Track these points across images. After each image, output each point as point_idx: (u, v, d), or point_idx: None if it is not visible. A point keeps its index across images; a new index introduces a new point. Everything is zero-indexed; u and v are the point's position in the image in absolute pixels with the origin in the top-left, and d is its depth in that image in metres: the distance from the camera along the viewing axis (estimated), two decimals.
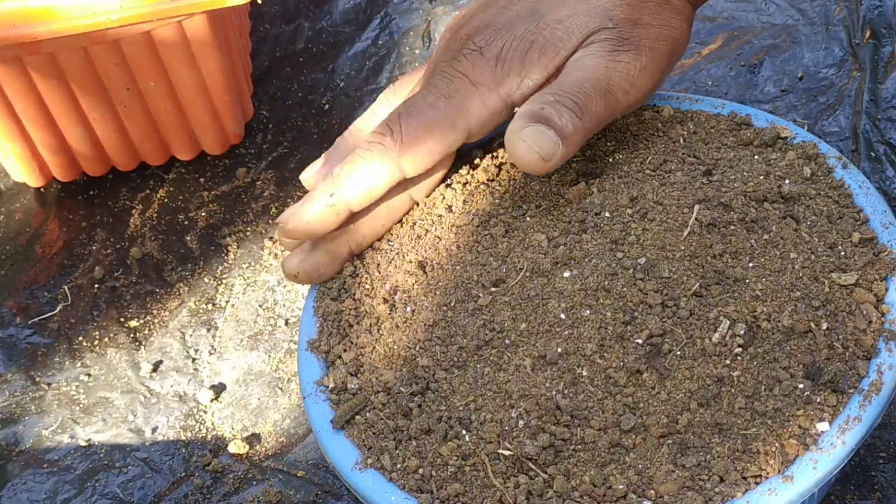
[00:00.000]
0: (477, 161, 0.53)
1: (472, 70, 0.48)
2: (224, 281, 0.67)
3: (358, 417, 0.46)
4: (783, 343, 0.43)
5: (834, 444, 0.41)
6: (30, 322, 0.67)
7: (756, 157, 0.50)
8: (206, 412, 0.61)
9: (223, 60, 0.68)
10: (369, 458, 0.44)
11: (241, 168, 0.72)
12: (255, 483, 0.57)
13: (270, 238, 0.68)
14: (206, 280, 0.67)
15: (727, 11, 0.74)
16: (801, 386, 0.42)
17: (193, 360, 0.63)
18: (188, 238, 0.70)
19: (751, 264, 0.45)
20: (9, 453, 0.60)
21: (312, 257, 0.49)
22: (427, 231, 0.50)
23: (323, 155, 0.54)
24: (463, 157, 0.54)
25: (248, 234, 0.69)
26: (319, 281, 0.50)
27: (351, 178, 0.48)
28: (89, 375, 0.64)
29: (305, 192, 0.70)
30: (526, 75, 0.48)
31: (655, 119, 0.53)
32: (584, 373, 0.43)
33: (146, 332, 0.65)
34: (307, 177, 0.54)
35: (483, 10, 0.51)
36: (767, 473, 0.41)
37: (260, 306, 0.65)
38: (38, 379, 0.64)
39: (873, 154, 0.64)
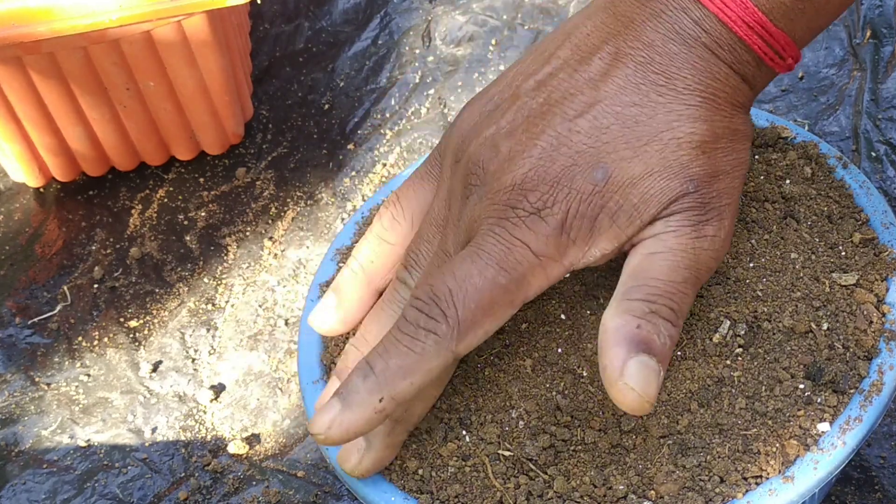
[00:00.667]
0: None
1: (534, 240, 0.40)
2: (224, 281, 0.67)
3: None
4: (784, 343, 0.43)
5: (834, 444, 0.41)
6: (29, 322, 0.67)
7: (756, 157, 0.50)
8: (205, 412, 0.61)
9: (223, 60, 0.68)
10: None
11: (240, 168, 0.72)
12: (254, 483, 0.57)
13: (270, 238, 0.68)
14: (205, 280, 0.67)
15: None
16: (801, 386, 0.42)
17: (193, 360, 0.63)
18: (188, 238, 0.70)
19: (751, 264, 0.45)
20: (8, 453, 0.60)
21: (374, 455, 0.43)
22: None
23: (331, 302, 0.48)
24: None
25: (247, 234, 0.69)
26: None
27: (401, 375, 0.40)
28: (89, 376, 0.63)
29: (305, 191, 0.70)
30: (594, 244, 0.41)
31: None
32: (585, 373, 0.43)
33: (146, 332, 0.65)
34: (319, 324, 0.48)
35: (523, 154, 0.42)
36: (768, 474, 0.41)
37: (260, 306, 0.65)
38: (37, 379, 0.64)
39: (874, 154, 0.64)
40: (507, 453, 0.42)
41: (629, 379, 0.39)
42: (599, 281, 0.45)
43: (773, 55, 0.42)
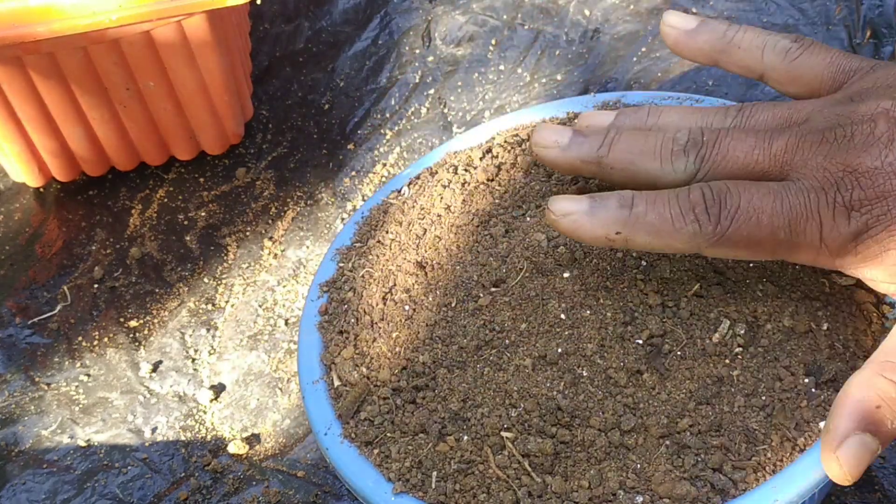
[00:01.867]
0: (477, 161, 0.53)
1: (829, 227, 0.41)
2: (224, 281, 0.67)
3: (360, 413, 0.46)
4: (783, 343, 0.43)
5: None
6: (29, 322, 0.67)
7: None
8: (205, 412, 0.61)
9: (223, 60, 0.68)
10: (369, 458, 0.44)
11: (240, 168, 0.72)
12: (254, 483, 0.57)
13: (270, 238, 0.68)
14: (205, 280, 0.67)
15: (727, 11, 0.74)
16: (801, 385, 0.42)
17: (193, 360, 0.63)
18: (188, 238, 0.70)
19: (751, 264, 0.45)
20: (8, 453, 0.60)
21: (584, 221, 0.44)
22: (426, 231, 0.50)
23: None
24: (462, 156, 0.54)
25: (247, 234, 0.69)
26: None
27: (646, 231, 0.42)
28: (89, 376, 0.63)
29: (305, 191, 0.70)
30: (870, 268, 0.42)
31: None
32: (585, 373, 0.43)
33: (146, 332, 0.65)
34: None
35: (892, 150, 0.41)
36: (768, 473, 0.41)
37: (259, 306, 0.65)
38: (37, 379, 0.64)
39: None
40: (506, 453, 0.42)
41: (841, 454, 0.39)
42: (600, 281, 0.45)
43: None
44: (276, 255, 0.67)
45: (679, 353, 0.43)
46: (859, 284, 0.44)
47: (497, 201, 0.50)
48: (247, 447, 0.59)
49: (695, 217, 0.42)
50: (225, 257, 0.68)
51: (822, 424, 0.41)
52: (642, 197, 0.43)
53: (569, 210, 0.43)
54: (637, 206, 0.43)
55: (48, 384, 0.63)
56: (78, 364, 0.64)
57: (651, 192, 0.43)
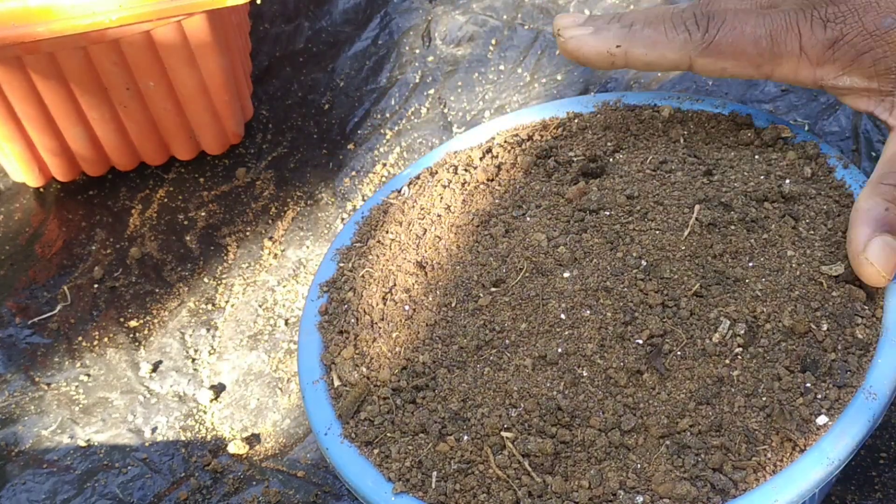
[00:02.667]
0: (476, 161, 0.53)
1: (806, 36, 0.46)
2: (224, 281, 0.67)
3: (360, 413, 0.46)
4: (783, 342, 0.43)
5: (834, 443, 0.41)
6: (29, 322, 0.67)
7: (756, 156, 0.50)
8: (205, 412, 0.61)
9: (223, 60, 0.68)
10: (369, 458, 0.44)
11: (240, 168, 0.72)
12: (254, 483, 0.57)
13: (270, 238, 0.68)
14: (205, 280, 0.67)
15: None
16: (801, 386, 0.42)
17: (193, 360, 0.63)
18: (188, 238, 0.70)
19: (751, 264, 0.45)
20: (8, 453, 0.60)
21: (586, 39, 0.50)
22: (426, 230, 0.50)
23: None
24: (462, 156, 0.54)
25: (247, 234, 0.69)
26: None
27: (644, 42, 0.48)
28: (89, 376, 0.63)
29: (305, 191, 0.70)
30: (847, 73, 0.46)
31: (655, 119, 0.53)
32: (585, 373, 0.43)
33: (146, 332, 0.65)
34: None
35: None
36: (768, 473, 0.41)
37: (259, 306, 0.65)
38: (37, 379, 0.64)
39: (874, 154, 0.64)
40: (506, 453, 0.42)
41: (870, 254, 0.43)
42: (600, 281, 0.45)
43: None
44: (276, 255, 0.67)
45: (679, 353, 0.43)
46: (854, 281, 0.44)
47: (497, 201, 0.50)
48: (247, 447, 0.58)
49: (685, 27, 0.47)
50: (225, 257, 0.68)
51: (821, 419, 0.41)
52: (641, 15, 0.49)
53: (574, 32, 0.49)
54: (635, 24, 0.49)
55: (48, 384, 0.63)
56: (78, 364, 0.64)
57: (650, 12, 0.49)
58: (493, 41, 0.77)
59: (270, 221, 0.69)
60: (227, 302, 0.66)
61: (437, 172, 0.54)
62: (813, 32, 0.47)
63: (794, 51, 0.47)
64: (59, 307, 0.67)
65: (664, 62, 0.48)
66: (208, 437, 0.59)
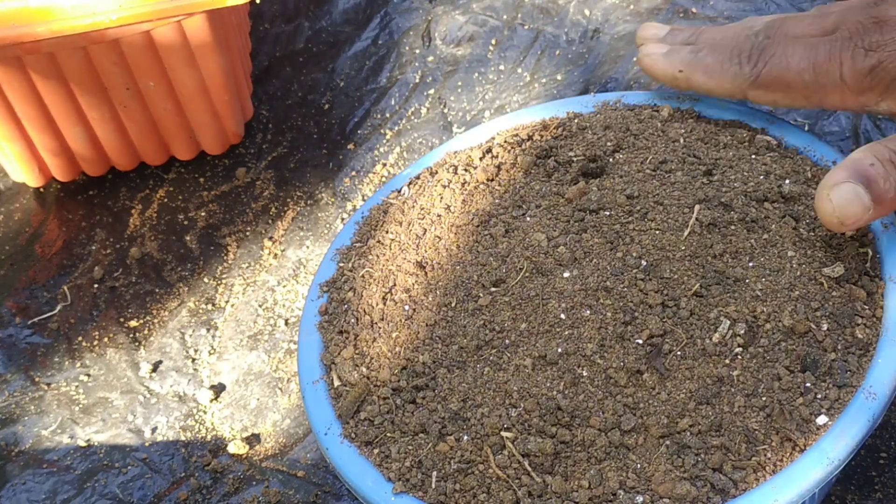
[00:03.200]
0: (476, 161, 0.53)
1: (849, 66, 0.48)
2: (224, 281, 0.67)
3: (360, 413, 0.46)
4: (783, 342, 0.43)
5: (834, 443, 0.41)
6: (29, 322, 0.67)
7: (756, 156, 0.50)
8: (205, 412, 0.61)
9: (223, 60, 0.68)
10: (369, 458, 0.44)
11: (240, 168, 0.72)
12: (254, 483, 0.57)
13: (270, 238, 0.68)
14: (205, 280, 0.67)
15: (727, 11, 0.74)
16: (801, 386, 0.42)
17: (193, 360, 0.63)
18: (188, 238, 0.70)
19: (751, 264, 0.45)
20: (8, 453, 0.60)
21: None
22: (426, 231, 0.50)
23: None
24: (462, 156, 0.54)
25: (247, 234, 0.69)
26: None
27: (704, 71, 0.51)
28: (89, 375, 0.63)
29: (305, 191, 0.70)
30: (884, 99, 0.47)
31: (655, 119, 0.53)
32: (585, 373, 0.43)
33: (146, 332, 0.65)
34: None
35: None
36: (768, 473, 0.41)
37: (259, 306, 0.65)
38: (37, 379, 0.64)
39: None
40: (506, 452, 0.42)
41: (834, 195, 0.44)
42: (600, 281, 0.45)
43: None
44: (276, 255, 0.67)
45: (679, 353, 0.43)
46: (849, 280, 0.45)
47: (497, 201, 0.50)
48: (247, 447, 0.58)
49: (738, 60, 0.50)
50: (225, 257, 0.68)
51: (821, 419, 0.41)
52: (710, 39, 0.52)
53: (650, 51, 0.53)
54: (703, 49, 0.52)
55: (48, 384, 0.63)
56: (78, 364, 0.64)
57: (720, 36, 0.52)
58: (493, 41, 0.77)
59: (270, 221, 0.69)
60: (227, 302, 0.66)
61: (437, 172, 0.54)
62: (854, 61, 0.47)
63: (836, 81, 0.48)
64: (59, 307, 0.67)
65: (721, 91, 0.51)
66: (208, 437, 0.59)
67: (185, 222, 0.70)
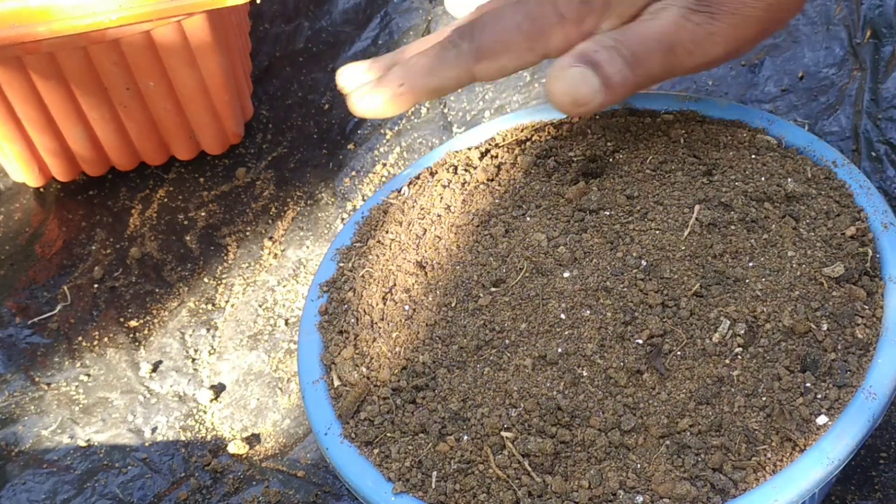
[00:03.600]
0: (476, 161, 0.53)
1: (561, 1, 0.48)
2: (224, 281, 0.67)
3: (360, 413, 0.46)
4: (783, 342, 0.43)
5: (834, 443, 0.41)
6: (29, 322, 0.67)
7: (756, 156, 0.50)
8: (205, 412, 0.61)
9: (223, 60, 0.68)
10: (369, 458, 0.44)
11: (240, 168, 0.72)
12: (254, 483, 0.57)
13: (270, 238, 0.68)
14: (205, 280, 0.67)
15: None
16: (801, 386, 0.42)
17: (193, 360, 0.63)
18: (188, 238, 0.70)
19: (751, 264, 0.45)
20: (8, 453, 0.60)
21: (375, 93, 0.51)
22: (426, 231, 0.50)
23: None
24: (462, 156, 0.54)
25: (247, 234, 0.69)
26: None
27: (423, 71, 0.49)
28: (89, 375, 0.63)
29: (305, 191, 0.70)
30: (606, 17, 0.48)
31: (655, 119, 0.53)
32: (585, 373, 0.43)
33: (146, 332, 0.65)
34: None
35: None
36: (768, 473, 0.41)
37: (259, 306, 0.65)
38: (37, 379, 0.64)
39: (874, 154, 0.64)
40: (506, 452, 0.42)
41: (564, 76, 0.45)
42: (600, 281, 0.45)
43: None
44: (276, 255, 0.67)
45: (679, 353, 0.43)
46: (850, 280, 0.45)
47: (497, 201, 0.50)
48: (247, 447, 0.58)
49: (452, 44, 0.48)
50: (225, 257, 0.68)
51: (821, 419, 0.41)
52: (415, 54, 0.50)
53: (361, 92, 0.50)
54: (409, 60, 0.49)
55: (48, 384, 0.63)
56: (78, 364, 0.64)
57: (422, 48, 0.50)
58: None
59: (270, 221, 0.69)
60: (227, 302, 0.66)
61: (437, 172, 0.54)
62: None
63: (554, 20, 0.48)
64: (59, 307, 0.67)
65: (448, 82, 0.49)
66: (208, 437, 0.59)
67: (185, 222, 0.70)
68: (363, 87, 0.50)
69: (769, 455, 0.41)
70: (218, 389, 0.62)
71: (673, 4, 0.47)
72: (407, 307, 0.48)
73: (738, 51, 0.48)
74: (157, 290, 0.67)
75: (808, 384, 0.42)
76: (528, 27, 0.48)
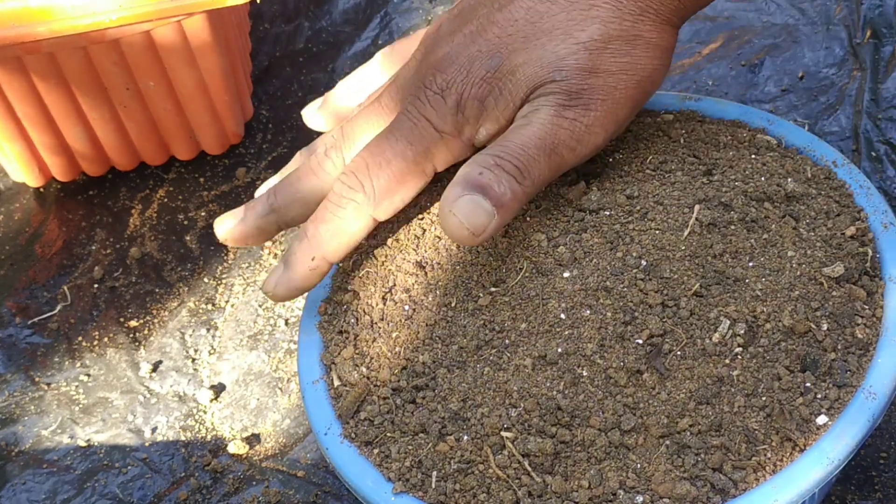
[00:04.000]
0: None
1: (435, 116, 0.47)
2: (224, 281, 0.67)
3: (360, 413, 0.46)
4: (783, 342, 0.43)
5: (834, 443, 0.41)
6: (29, 322, 0.67)
7: (756, 156, 0.50)
8: (205, 412, 0.61)
9: (223, 60, 0.68)
10: (369, 458, 0.44)
11: (240, 168, 0.72)
12: (254, 483, 0.57)
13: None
14: (205, 280, 0.67)
15: (727, 11, 0.74)
16: (801, 386, 0.42)
17: (193, 360, 0.63)
18: (188, 238, 0.70)
19: (751, 264, 0.45)
20: (8, 453, 0.60)
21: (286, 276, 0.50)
22: (426, 230, 0.50)
23: (318, 104, 0.57)
24: None
25: None
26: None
27: (328, 237, 0.48)
28: (89, 375, 0.63)
29: None
30: (483, 124, 0.48)
31: (655, 119, 0.53)
32: (585, 373, 0.43)
33: (146, 332, 0.65)
34: (309, 114, 0.56)
35: (451, 36, 0.49)
36: (768, 473, 0.41)
37: (259, 306, 0.65)
38: (37, 379, 0.64)
39: (874, 154, 0.64)
40: (506, 452, 0.42)
41: (456, 209, 0.44)
42: (600, 281, 0.45)
43: None
44: (276, 255, 0.67)
45: (679, 353, 0.43)
46: (850, 280, 0.45)
47: None
48: (247, 447, 0.58)
49: (346, 199, 0.47)
50: (225, 257, 0.68)
51: (820, 419, 0.41)
52: (309, 222, 0.48)
53: (274, 282, 0.49)
54: (308, 231, 0.48)
55: (48, 384, 0.63)
56: (78, 364, 0.64)
57: (314, 213, 0.49)
58: None
59: None
60: (227, 302, 0.66)
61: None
62: (437, 111, 0.47)
63: (435, 137, 0.47)
64: (59, 307, 0.67)
65: (356, 238, 0.48)
66: (208, 437, 0.59)
67: (185, 222, 0.70)
68: (224, 224, 0.51)
69: (769, 455, 0.41)
70: (218, 389, 0.62)
71: (544, 105, 0.46)
72: (407, 307, 0.48)
73: (617, 131, 0.48)
74: (157, 290, 0.67)
75: (808, 384, 0.42)
76: (414, 153, 0.47)
